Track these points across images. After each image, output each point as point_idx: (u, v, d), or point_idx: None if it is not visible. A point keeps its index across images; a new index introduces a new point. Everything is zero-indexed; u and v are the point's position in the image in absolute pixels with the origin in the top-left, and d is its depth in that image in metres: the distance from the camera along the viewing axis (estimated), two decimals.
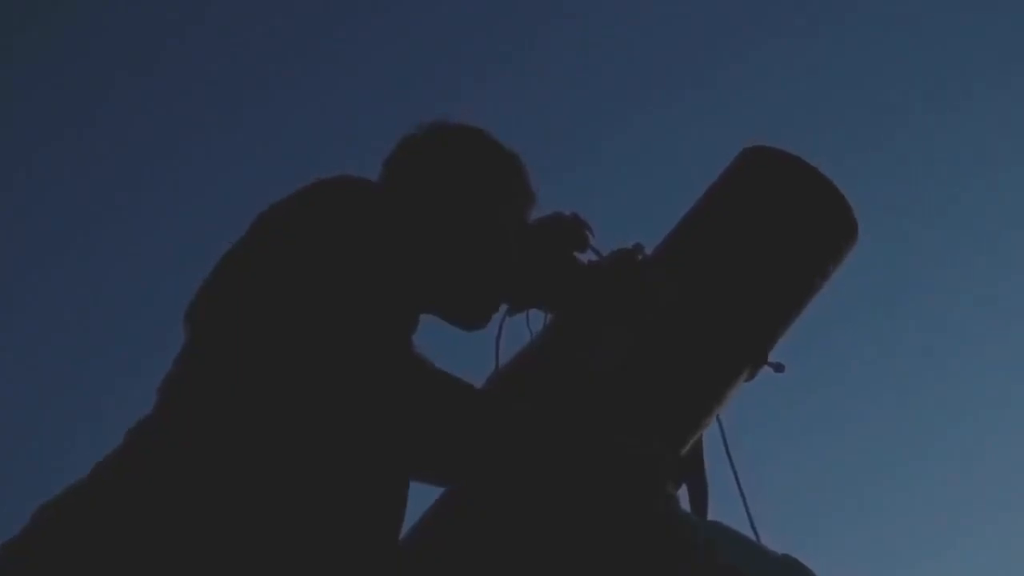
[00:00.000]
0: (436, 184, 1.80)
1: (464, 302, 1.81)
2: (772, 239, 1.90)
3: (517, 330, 1.91)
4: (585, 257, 1.92)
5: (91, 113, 5.38)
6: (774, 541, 1.75)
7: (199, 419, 1.56)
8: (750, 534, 1.78)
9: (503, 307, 1.88)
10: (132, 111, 5.36)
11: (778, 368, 1.90)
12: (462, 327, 1.83)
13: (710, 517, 1.84)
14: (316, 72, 5.40)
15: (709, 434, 1.89)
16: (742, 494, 1.90)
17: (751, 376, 1.89)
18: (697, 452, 1.87)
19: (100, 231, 5.42)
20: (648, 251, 1.90)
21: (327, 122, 5.29)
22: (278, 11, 5.38)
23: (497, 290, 1.84)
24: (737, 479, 1.89)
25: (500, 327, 1.89)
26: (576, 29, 5.34)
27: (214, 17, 5.41)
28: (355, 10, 5.42)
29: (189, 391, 1.60)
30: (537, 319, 1.91)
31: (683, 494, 1.84)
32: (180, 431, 1.57)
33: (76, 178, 5.39)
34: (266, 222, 1.65)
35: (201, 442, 1.55)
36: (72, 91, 5.34)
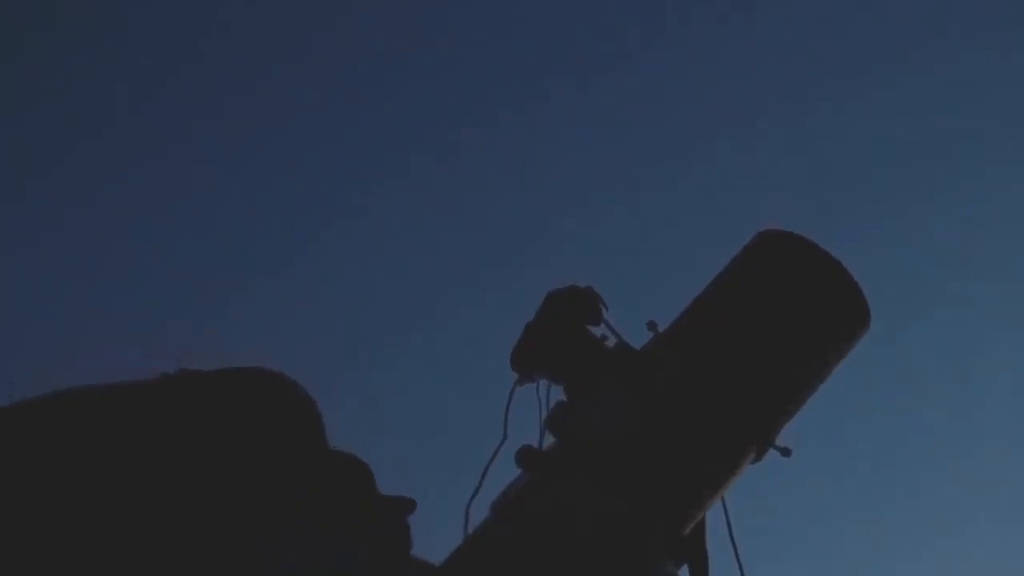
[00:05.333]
0: None
1: None
2: (784, 322, 1.91)
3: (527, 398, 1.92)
4: (599, 331, 1.93)
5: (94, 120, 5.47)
6: None
7: None
8: None
9: (512, 377, 1.90)
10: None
11: (785, 452, 1.90)
12: None
13: None
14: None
15: (712, 515, 1.89)
16: None
17: (757, 458, 1.89)
18: (699, 533, 1.86)
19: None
20: (661, 328, 1.91)
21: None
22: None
23: None
24: (739, 563, 1.89)
25: (509, 397, 1.90)
26: (595, 103, 5.40)
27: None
28: (368, 64, 5.50)
29: None
30: (547, 390, 1.92)
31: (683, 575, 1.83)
32: None
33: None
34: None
35: None
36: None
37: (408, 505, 1.81)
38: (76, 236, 5.58)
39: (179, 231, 5.49)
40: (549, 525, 1.69)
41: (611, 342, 1.92)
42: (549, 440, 1.85)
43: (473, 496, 1.86)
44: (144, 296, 5.32)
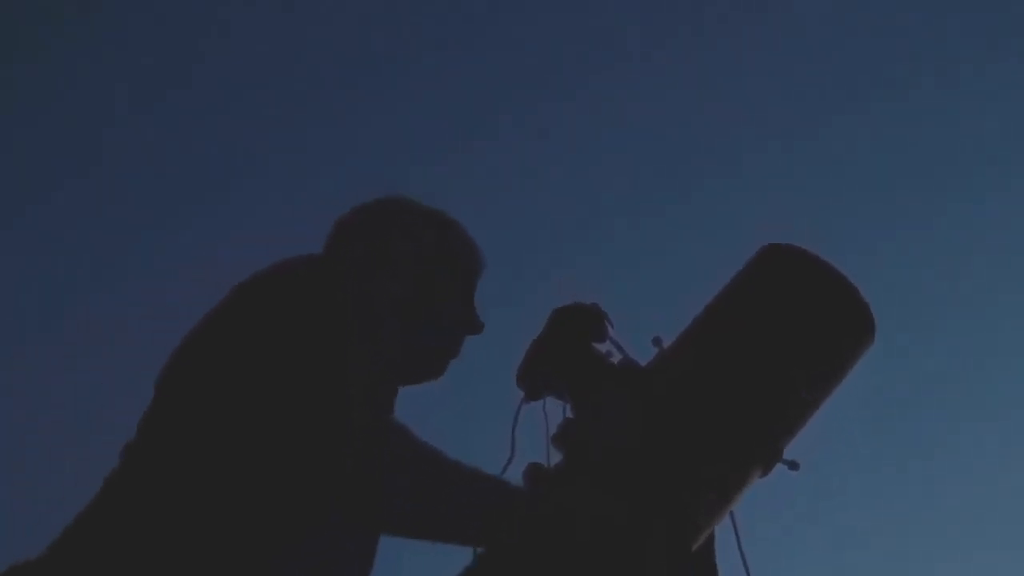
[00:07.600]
0: (374, 258, 1.97)
1: (422, 358, 1.99)
2: (790, 336, 1.90)
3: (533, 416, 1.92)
4: (604, 347, 1.93)
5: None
6: None
7: (158, 486, 1.67)
8: None
9: (519, 394, 1.90)
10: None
11: (793, 466, 1.90)
12: (424, 381, 2.00)
13: None
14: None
15: (721, 529, 1.89)
16: None
17: (765, 472, 1.89)
18: (709, 548, 1.86)
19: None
20: (666, 343, 1.91)
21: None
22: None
23: (451, 339, 2.00)
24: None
25: (516, 415, 1.90)
26: (602, 123, 5.39)
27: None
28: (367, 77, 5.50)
29: (151, 457, 1.71)
30: (553, 407, 1.92)
31: None
32: (141, 497, 1.68)
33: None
34: (239, 299, 1.71)
35: (160, 509, 1.66)
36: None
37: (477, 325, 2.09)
38: (76, 236, 5.58)
39: (179, 231, 5.49)
40: (551, 527, 1.69)
41: (616, 359, 1.92)
42: (556, 457, 1.86)
43: None
44: (143, 296, 5.32)
